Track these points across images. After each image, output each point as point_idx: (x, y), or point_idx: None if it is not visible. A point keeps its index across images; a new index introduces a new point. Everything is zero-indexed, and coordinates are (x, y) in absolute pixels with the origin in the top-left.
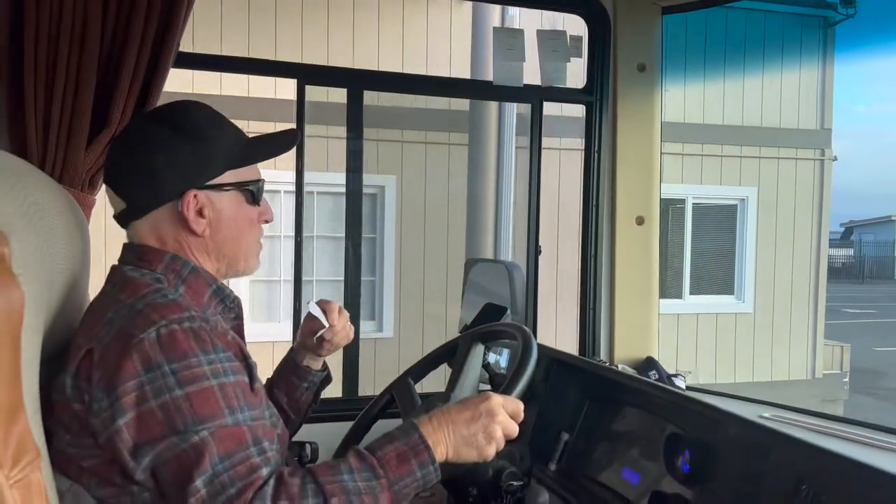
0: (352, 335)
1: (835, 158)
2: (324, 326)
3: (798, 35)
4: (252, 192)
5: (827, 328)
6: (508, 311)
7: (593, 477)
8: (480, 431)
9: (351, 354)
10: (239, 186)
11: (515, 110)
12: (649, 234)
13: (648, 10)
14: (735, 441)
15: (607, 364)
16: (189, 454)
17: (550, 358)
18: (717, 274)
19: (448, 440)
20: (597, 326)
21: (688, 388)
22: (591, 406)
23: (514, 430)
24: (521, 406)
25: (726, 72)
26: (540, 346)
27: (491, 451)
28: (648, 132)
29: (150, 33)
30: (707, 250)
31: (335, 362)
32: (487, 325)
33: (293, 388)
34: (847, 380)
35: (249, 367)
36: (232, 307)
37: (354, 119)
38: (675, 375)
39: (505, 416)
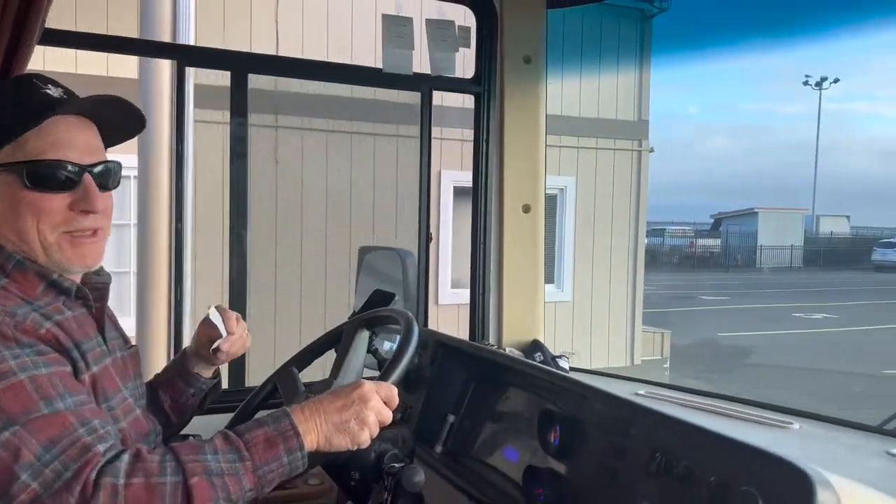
0: (248, 344)
1: (651, 150)
2: (221, 335)
3: (617, 27)
4: (37, 174)
5: (679, 314)
6: (397, 297)
7: (477, 457)
8: (353, 418)
9: None
10: (9, 167)
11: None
12: (535, 221)
13: (534, 3)
14: (601, 416)
15: (495, 347)
16: (2, 454)
17: (437, 342)
18: None
19: (319, 428)
20: (486, 311)
21: (571, 368)
22: (476, 388)
23: (388, 415)
24: (394, 391)
25: (563, 65)
26: (428, 332)
27: (364, 437)
28: (534, 123)
29: (10, 8)
30: None
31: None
32: (371, 311)
33: (179, 392)
34: (668, 365)
35: (73, 359)
36: (81, 296)
37: (238, 103)
38: (560, 357)
39: (378, 401)
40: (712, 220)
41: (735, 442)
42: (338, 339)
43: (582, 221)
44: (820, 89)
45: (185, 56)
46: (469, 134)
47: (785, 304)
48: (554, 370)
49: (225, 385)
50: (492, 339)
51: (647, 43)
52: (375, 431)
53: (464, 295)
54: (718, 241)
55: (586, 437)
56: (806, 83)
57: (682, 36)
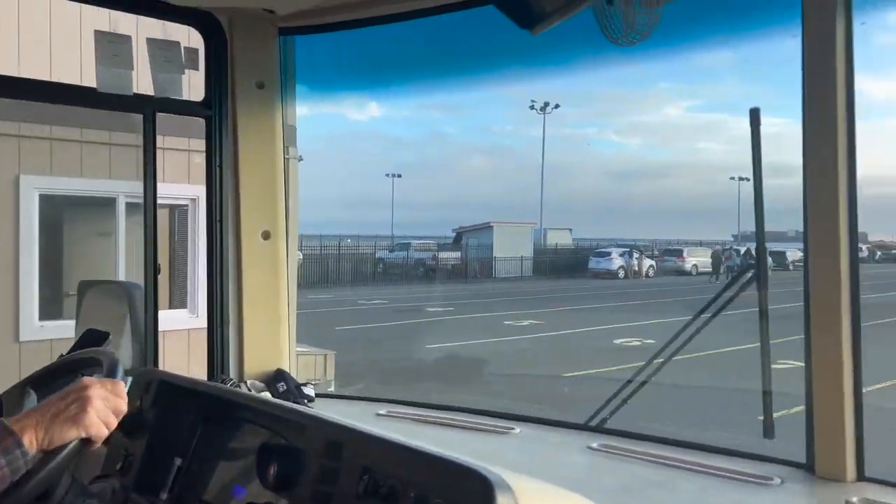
0: None
1: (300, 158)
2: None
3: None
4: None
5: (394, 328)
6: (111, 337)
7: (206, 499)
8: (73, 403)
9: None
10: None
11: None
12: (276, 247)
13: (265, 29)
14: (317, 443)
15: (236, 381)
16: None
17: (160, 382)
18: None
19: (38, 424)
20: (225, 344)
21: (317, 395)
22: (204, 428)
23: (119, 403)
24: (121, 384)
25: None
26: (149, 371)
27: (91, 420)
28: (270, 149)
29: None
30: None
31: None
32: (70, 355)
33: None
34: (332, 389)
35: None
36: None
37: None
38: (305, 384)
39: (100, 388)
40: (454, 234)
41: (431, 456)
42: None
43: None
44: (544, 113)
45: None
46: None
47: (501, 312)
48: (275, 401)
49: None
50: (233, 373)
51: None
52: (108, 419)
53: (53, 329)
54: (459, 254)
55: (303, 466)
56: (532, 107)
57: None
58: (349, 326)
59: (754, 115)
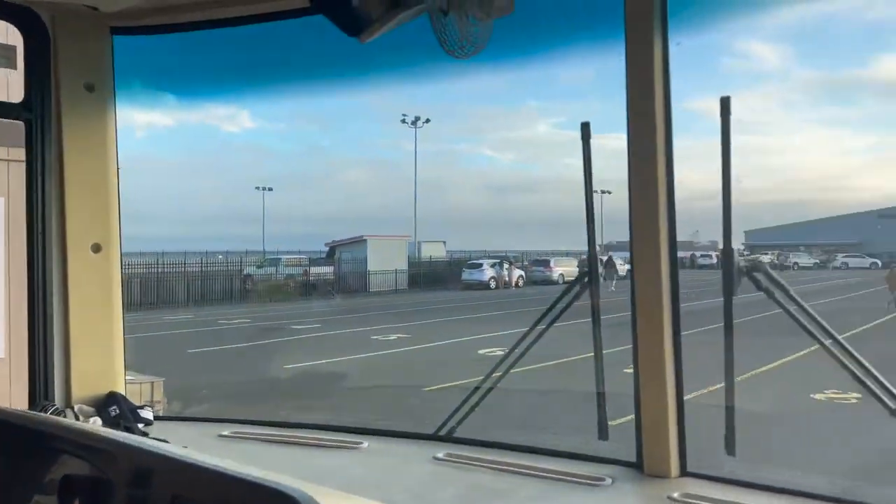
0: None
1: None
2: None
3: None
4: None
5: (251, 349)
6: None
7: None
8: None
9: None
10: None
11: None
12: (109, 261)
13: (95, 27)
14: (126, 472)
15: (61, 407)
16: None
17: None
18: None
19: None
20: (49, 367)
21: (156, 418)
22: (6, 461)
23: None
24: None
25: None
26: None
27: None
28: (102, 155)
29: None
30: None
31: None
32: None
33: None
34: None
35: None
36: None
37: None
38: (142, 407)
39: None
40: (327, 249)
41: (241, 479)
42: None
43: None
44: (415, 127)
45: None
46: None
47: (370, 327)
48: (85, 428)
49: None
50: (58, 399)
51: None
52: None
53: None
54: (332, 269)
55: (110, 496)
56: (403, 121)
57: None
58: (203, 349)
59: (585, 130)
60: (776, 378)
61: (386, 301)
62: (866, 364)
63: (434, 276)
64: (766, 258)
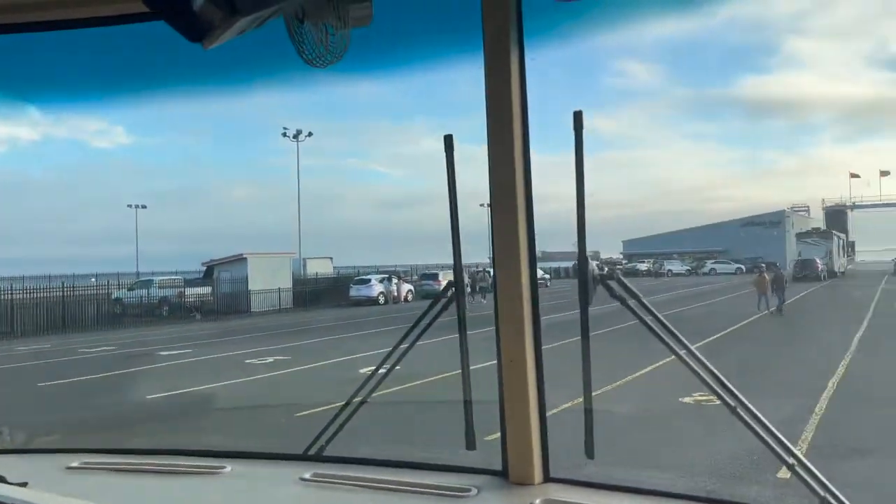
0: None
1: None
2: None
3: None
4: None
5: (111, 378)
6: None
7: None
8: None
9: None
10: None
11: None
12: None
13: None
14: None
15: None
16: None
17: None
18: None
19: None
20: None
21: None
22: None
23: None
24: None
25: None
26: None
27: None
28: None
29: None
30: None
31: None
32: None
33: None
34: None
35: None
36: None
37: None
38: None
39: None
40: (204, 268)
41: None
42: None
43: None
44: (297, 141)
45: None
46: None
47: (247, 349)
48: None
49: None
50: None
51: None
52: None
53: None
54: (209, 289)
55: None
56: (284, 135)
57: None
58: (57, 381)
59: (448, 142)
60: (648, 382)
61: (268, 322)
62: (711, 367)
63: (321, 294)
64: (642, 266)
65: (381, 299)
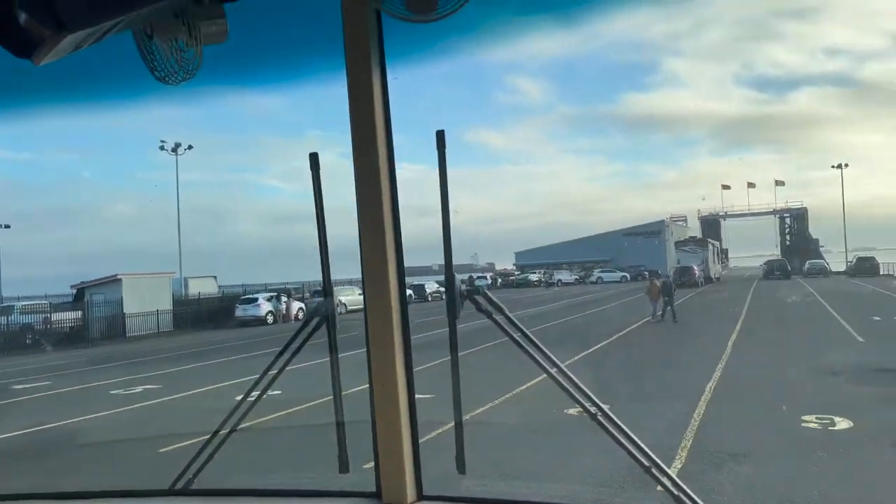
0: None
1: None
2: None
3: None
4: None
5: None
6: None
7: None
8: None
9: None
10: None
11: None
12: None
13: None
14: None
15: None
16: None
17: None
18: None
19: None
20: None
21: None
22: None
23: None
24: None
25: None
26: None
27: None
28: None
29: None
30: None
31: None
32: None
33: None
34: None
35: None
36: None
37: None
38: None
39: None
40: (74, 291)
41: None
42: None
43: None
44: (176, 155)
45: None
46: None
47: (115, 379)
48: None
49: None
50: None
51: None
52: None
53: None
54: (80, 314)
55: None
56: (162, 148)
57: None
58: None
59: (312, 160)
60: (537, 394)
61: (143, 347)
62: (577, 381)
63: (205, 315)
64: (534, 276)
65: (270, 318)
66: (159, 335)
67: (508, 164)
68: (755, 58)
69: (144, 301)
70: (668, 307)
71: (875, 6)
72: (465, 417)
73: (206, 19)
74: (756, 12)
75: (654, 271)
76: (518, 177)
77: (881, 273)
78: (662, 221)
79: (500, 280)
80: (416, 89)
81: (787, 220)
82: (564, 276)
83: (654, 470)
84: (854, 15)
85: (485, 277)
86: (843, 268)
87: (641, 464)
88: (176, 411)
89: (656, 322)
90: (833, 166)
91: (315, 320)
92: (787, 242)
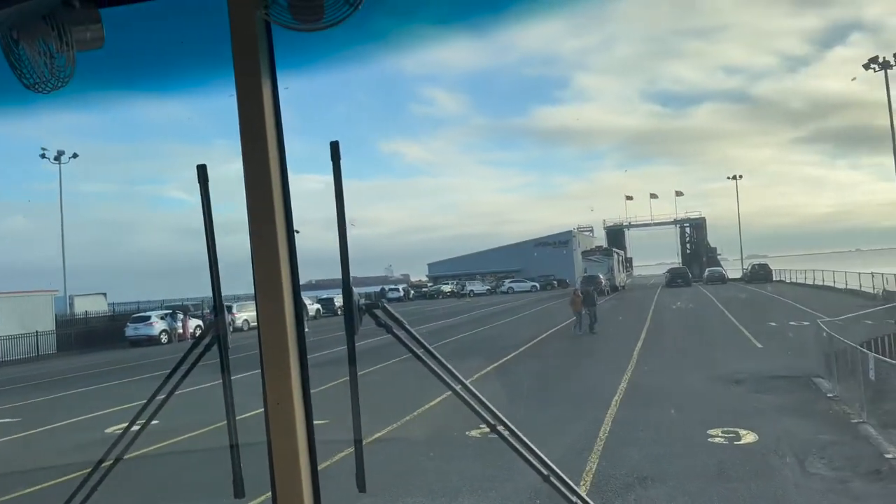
0: None
1: None
2: None
3: None
4: None
5: None
6: None
7: None
8: None
9: None
10: None
11: None
12: None
13: None
14: None
15: None
16: None
17: None
18: None
19: None
20: None
21: None
22: None
23: None
24: None
25: None
26: None
27: None
28: None
29: None
30: None
31: None
32: None
33: None
34: None
35: None
36: None
37: None
38: None
39: None
40: None
41: None
42: None
43: None
44: (59, 164)
45: None
46: None
47: None
48: None
49: None
50: None
51: None
52: None
53: None
54: None
55: None
56: (43, 156)
57: None
58: None
59: (200, 172)
60: (441, 413)
61: (13, 373)
62: (483, 398)
63: (92, 335)
64: (447, 287)
65: (164, 338)
66: (38, 359)
67: (425, 176)
68: (659, 74)
69: (23, 322)
70: (592, 320)
71: (769, 27)
72: (370, 438)
73: (79, 24)
74: (661, 30)
75: (561, 280)
76: (434, 188)
77: (774, 279)
78: (570, 231)
79: (412, 291)
80: (327, 99)
81: (687, 230)
82: (477, 286)
83: (552, 479)
84: (751, 34)
85: (397, 289)
86: (739, 274)
87: (540, 472)
88: (36, 447)
89: (581, 335)
90: (729, 178)
91: (206, 340)
92: (688, 251)
